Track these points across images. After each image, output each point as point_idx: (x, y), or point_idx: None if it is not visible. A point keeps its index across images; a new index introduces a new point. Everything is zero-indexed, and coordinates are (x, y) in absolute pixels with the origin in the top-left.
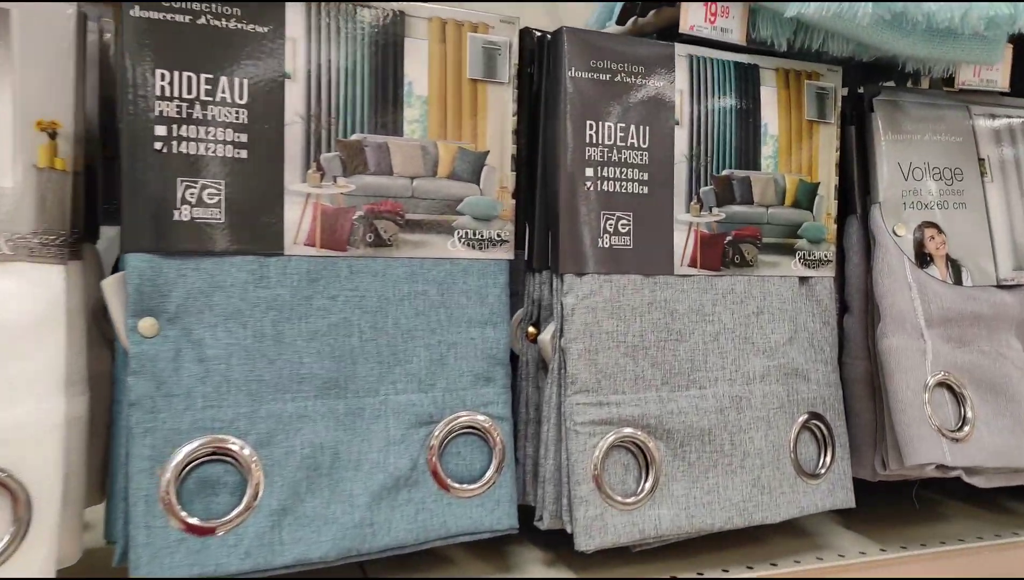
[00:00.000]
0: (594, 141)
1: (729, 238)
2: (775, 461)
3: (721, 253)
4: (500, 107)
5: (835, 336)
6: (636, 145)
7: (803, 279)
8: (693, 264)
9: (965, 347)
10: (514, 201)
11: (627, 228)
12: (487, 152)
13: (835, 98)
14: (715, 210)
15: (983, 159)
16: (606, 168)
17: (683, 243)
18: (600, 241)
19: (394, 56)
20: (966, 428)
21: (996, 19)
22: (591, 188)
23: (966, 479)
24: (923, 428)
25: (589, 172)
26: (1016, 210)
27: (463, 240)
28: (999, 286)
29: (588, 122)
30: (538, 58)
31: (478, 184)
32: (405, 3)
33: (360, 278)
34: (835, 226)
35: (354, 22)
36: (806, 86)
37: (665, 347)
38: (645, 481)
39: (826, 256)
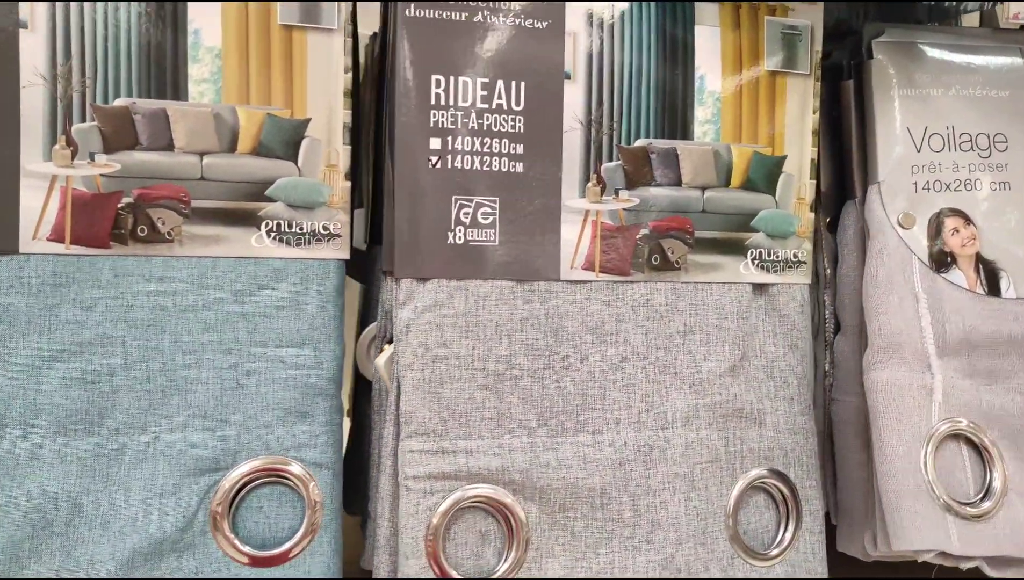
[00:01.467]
0: (443, 101)
1: (644, 231)
2: (700, 535)
3: (632, 251)
4: (323, 60)
5: (807, 364)
6: (506, 107)
7: (759, 287)
8: (589, 266)
9: (997, 385)
10: (348, 183)
11: (491, 218)
12: (307, 120)
13: (811, 40)
14: (624, 193)
15: None
16: (460, 138)
17: (575, 238)
18: (451, 235)
19: None
20: (989, 500)
21: None
22: (438, 164)
23: (991, 573)
24: (919, 500)
25: (435, 143)
26: None
27: (273, 234)
28: None
29: (434, 77)
30: None
31: (295, 161)
32: None
33: (127, 283)
34: (811, 215)
35: None
36: (766, 24)
37: (545, 378)
38: (505, 558)
39: (795, 255)
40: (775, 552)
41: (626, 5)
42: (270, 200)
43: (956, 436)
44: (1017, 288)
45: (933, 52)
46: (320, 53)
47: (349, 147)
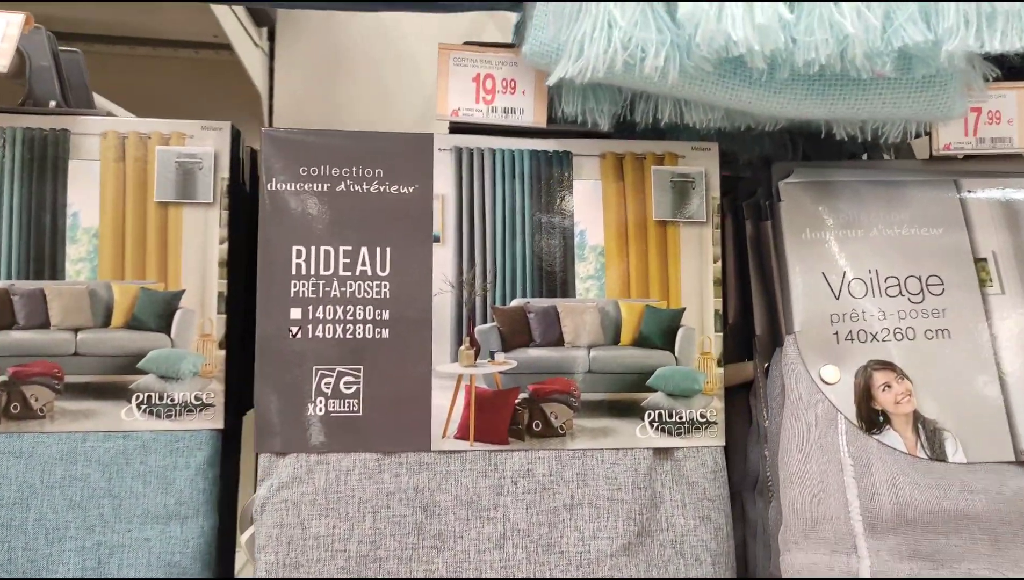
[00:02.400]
0: (304, 271)
1: (524, 396)
2: None
3: (510, 417)
4: (200, 234)
5: (723, 537)
6: (370, 273)
7: (663, 452)
8: (463, 435)
9: (942, 569)
10: (223, 352)
11: (354, 387)
12: (181, 291)
13: (706, 186)
14: (500, 356)
15: (983, 259)
16: (322, 306)
17: (447, 405)
18: (311, 407)
19: (54, 181)
20: None
21: (909, 50)
22: (298, 334)
23: None
24: None
25: (295, 313)
26: None
27: (144, 407)
28: (1020, 463)
29: (295, 248)
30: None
31: (168, 332)
32: (68, 117)
33: None
34: (719, 370)
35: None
36: (653, 174)
37: (414, 559)
38: None
39: (703, 415)
40: None
41: (498, 164)
42: (142, 372)
43: None
44: (967, 452)
45: (850, 191)
46: (195, 226)
47: (224, 316)
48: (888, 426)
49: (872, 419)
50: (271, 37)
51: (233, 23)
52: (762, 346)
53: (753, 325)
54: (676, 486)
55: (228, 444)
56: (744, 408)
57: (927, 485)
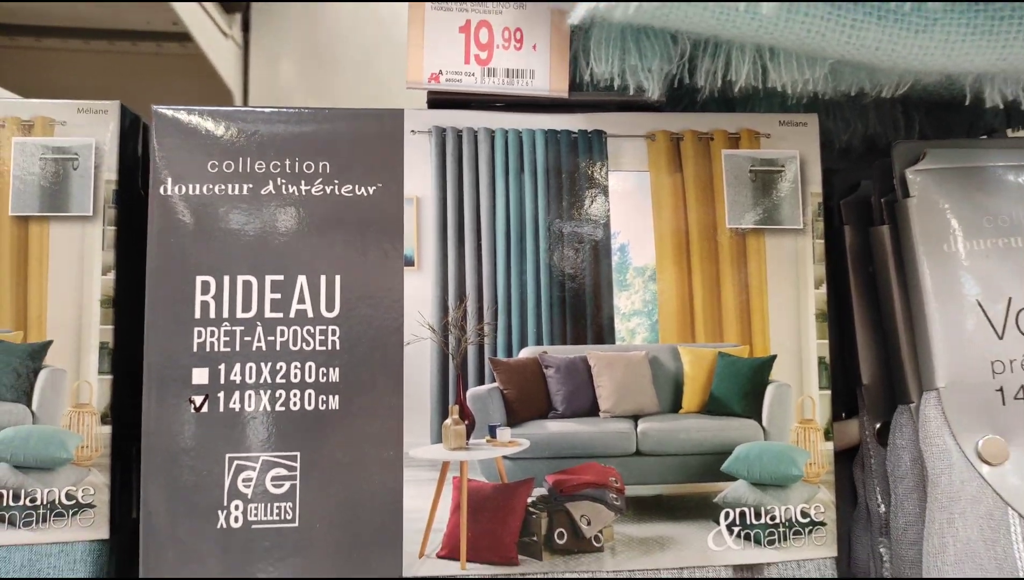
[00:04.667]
0: (213, 314)
1: (541, 492)
2: None
3: (520, 525)
4: (75, 262)
5: None
6: (312, 314)
7: (748, 568)
8: (451, 553)
9: None
10: (108, 429)
11: (288, 484)
12: (48, 343)
13: (801, 178)
14: (504, 434)
15: None
16: (239, 365)
17: (427, 508)
18: (223, 515)
19: None
20: None
21: None
22: (203, 407)
23: None
24: None
25: (200, 376)
26: None
27: None
28: None
29: (200, 279)
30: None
31: (28, 402)
32: None
33: None
34: (828, 446)
35: None
36: (724, 160)
37: None
38: None
39: (805, 513)
40: None
41: (499, 152)
42: None
43: None
44: None
45: (1013, 180)
46: (69, 250)
47: (108, 377)
48: None
49: None
50: (245, 27)
51: (193, 9)
52: (872, 400)
53: (854, 368)
54: None
55: (121, 559)
56: (844, 481)
57: None
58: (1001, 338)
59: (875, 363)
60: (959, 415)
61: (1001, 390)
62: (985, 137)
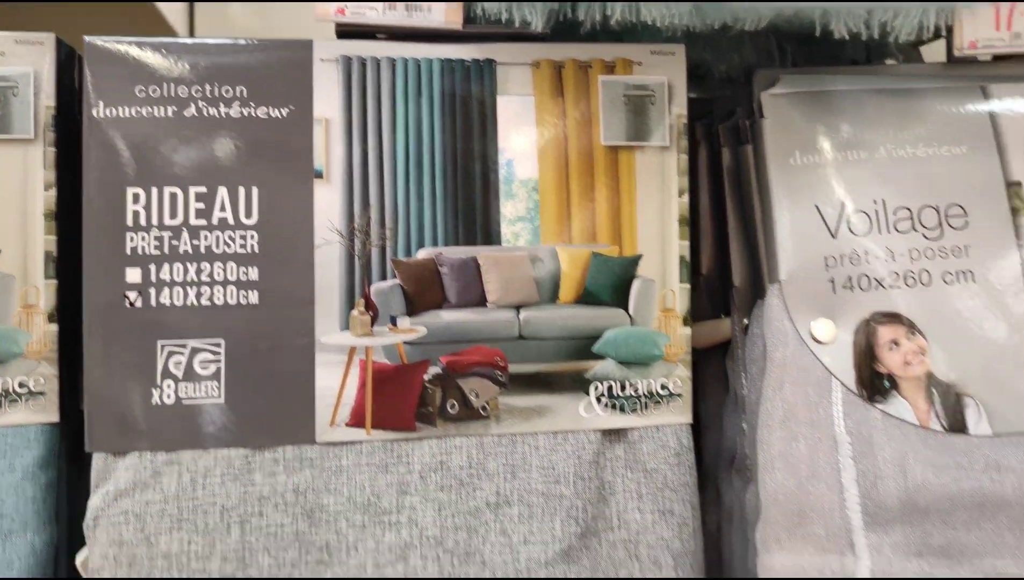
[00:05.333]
0: (143, 221)
1: (436, 370)
2: None
3: (418, 398)
4: (19, 178)
5: (688, 533)
6: (233, 221)
7: (613, 434)
8: (358, 422)
9: (961, 567)
10: (55, 327)
11: (214, 367)
12: None
13: (668, 100)
14: (404, 322)
15: (1016, 183)
16: (168, 265)
17: (336, 386)
18: (157, 393)
19: None
20: None
21: None
22: (137, 301)
23: None
24: None
25: (132, 275)
26: None
27: None
28: None
29: (130, 191)
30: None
31: None
32: None
33: None
34: (685, 331)
35: None
36: (601, 87)
37: (296, 577)
38: None
39: (664, 386)
40: None
41: (399, 78)
42: None
43: None
44: (993, 421)
45: (851, 103)
46: (13, 168)
47: (53, 281)
48: (895, 393)
49: (875, 385)
50: None
51: None
52: (741, 299)
53: (731, 275)
54: (631, 474)
55: (70, 441)
56: (720, 374)
57: (943, 464)
58: (834, 237)
59: (744, 267)
60: (796, 302)
61: (832, 281)
62: (843, 67)
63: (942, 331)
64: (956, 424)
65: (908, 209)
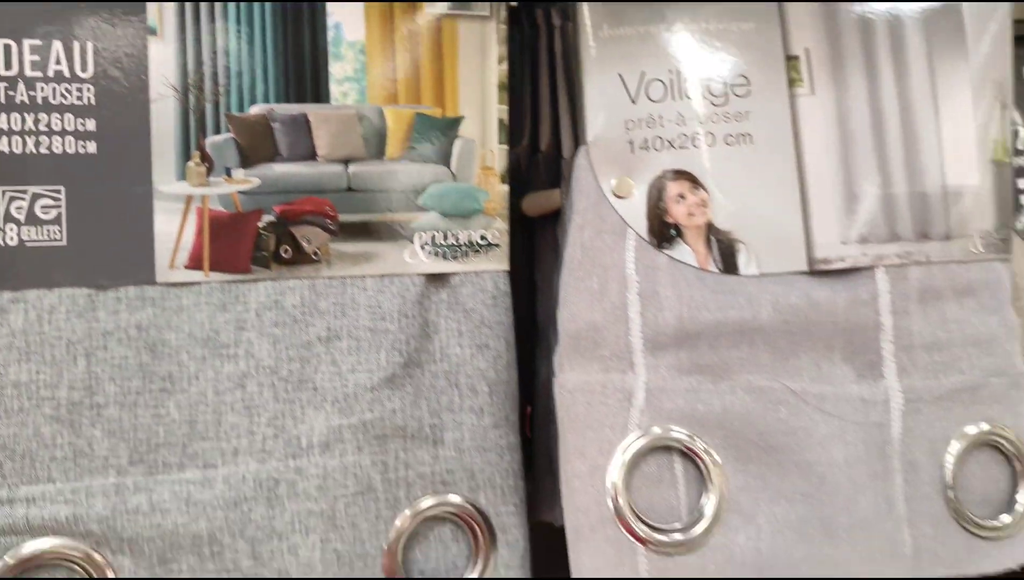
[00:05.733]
0: None
1: (270, 218)
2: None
3: (253, 243)
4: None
5: (502, 365)
6: (67, 74)
7: (437, 278)
8: (196, 265)
9: (722, 382)
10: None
11: (55, 212)
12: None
13: None
14: (238, 173)
15: (795, 57)
16: (4, 115)
17: (174, 231)
18: (1, 236)
19: None
20: (701, 524)
21: None
22: None
23: None
24: (602, 529)
25: None
26: (858, 139)
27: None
28: (812, 273)
29: None
30: None
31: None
32: None
33: None
34: (503, 187)
35: None
36: None
37: (139, 403)
38: None
39: (484, 237)
40: None
41: None
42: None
43: (667, 448)
44: (760, 263)
45: None
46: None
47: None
48: (680, 240)
49: (664, 234)
50: None
51: None
52: (566, 169)
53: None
54: (452, 314)
55: None
56: (554, 241)
57: (715, 298)
58: (634, 103)
59: (571, 140)
60: (599, 161)
61: (631, 142)
62: None
63: (722, 186)
64: (729, 266)
65: (700, 78)
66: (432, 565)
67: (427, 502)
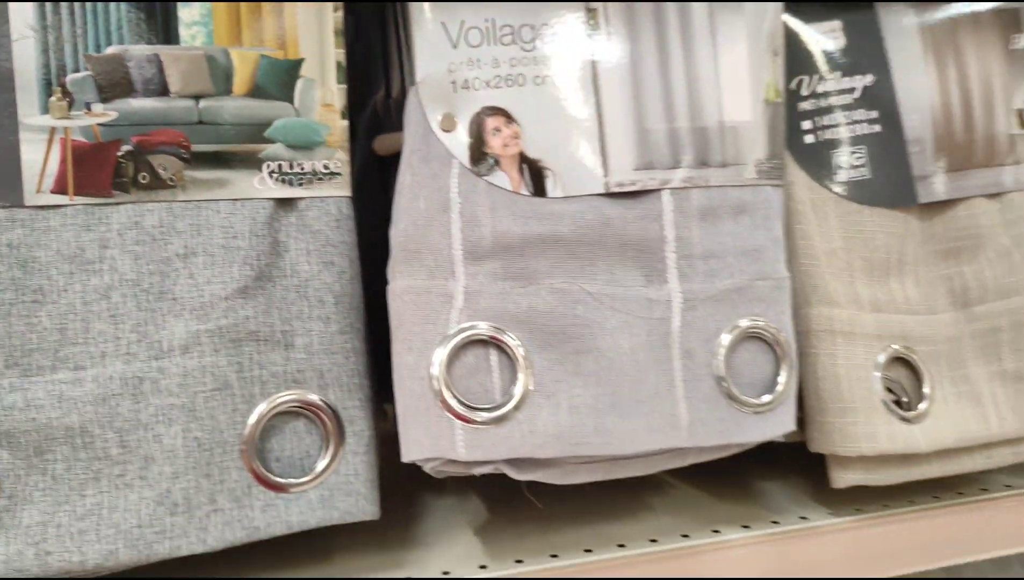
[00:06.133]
0: None
1: (127, 147)
2: (204, 466)
3: (113, 170)
4: None
5: (346, 279)
6: None
7: (286, 203)
8: (61, 189)
9: (530, 286)
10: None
11: None
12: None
13: None
14: (97, 108)
15: (593, 9)
16: None
17: (40, 159)
18: None
19: None
20: (509, 405)
21: None
22: None
23: (514, 475)
24: (425, 410)
25: None
26: (648, 81)
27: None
28: (608, 195)
29: None
30: None
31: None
32: None
33: None
34: (343, 122)
35: None
36: None
37: (13, 314)
38: None
39: (327, 167)
40: (308, 479)
41: None
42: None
43: (484, 342)
44: (564, 187)
45: None
46: None
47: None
48: (497, 168)
49: (483, 163)
50: None
51: None
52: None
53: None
54: (300, 235)
55: None
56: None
57: (525, 217)
58: (455, 48)
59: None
60: (428, 100)
61: (454, 82)
62: None
63: (531, 120)
64: (539, 190)
65: (511, 26)
66: (288, 453)
67: (280, 397)
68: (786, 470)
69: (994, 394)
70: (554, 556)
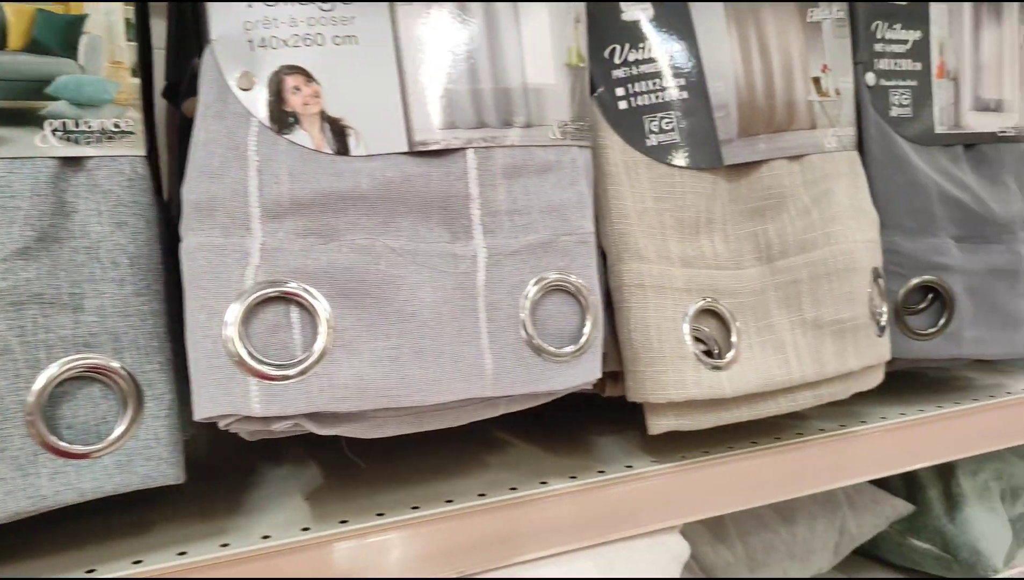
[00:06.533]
0: None
1: None
2: None
3: None
4: None
5: (142, 240)
6: None
7: (74, 162)
8: None
9: (331, 243)
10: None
11: None
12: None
13: None
14: None
15: None
16: None
17: None
18: None
19: None
20: (308, 360)
21: None
22: None
23: (316, 430)
24: (218, 368)
25: None
26: (451, 45)
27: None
28: (412, 153)
29: None
30: None
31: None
32: None
33: None
34: (135, 80)
35: None
36: None
37: None
38: None
39: (117, 125)
40: (103, 445)
41: None
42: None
43: (285, 299)
44: (367, 145)
45: None
46: None
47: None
48: (298, 127)
49: (283, 121)
50: None
51: None
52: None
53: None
54: (90, 195)
55: None
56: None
57: (326, 174)
58: (250, 7)
59: None
60: (224, 59)
61: (251, 41)
62: None
63: (332, 80)
64: (341, 148)
65: None
66: (81, 420)
67: (70, 362)
68: (624, 425)
69: (795, 342)
70: (380, 515)
